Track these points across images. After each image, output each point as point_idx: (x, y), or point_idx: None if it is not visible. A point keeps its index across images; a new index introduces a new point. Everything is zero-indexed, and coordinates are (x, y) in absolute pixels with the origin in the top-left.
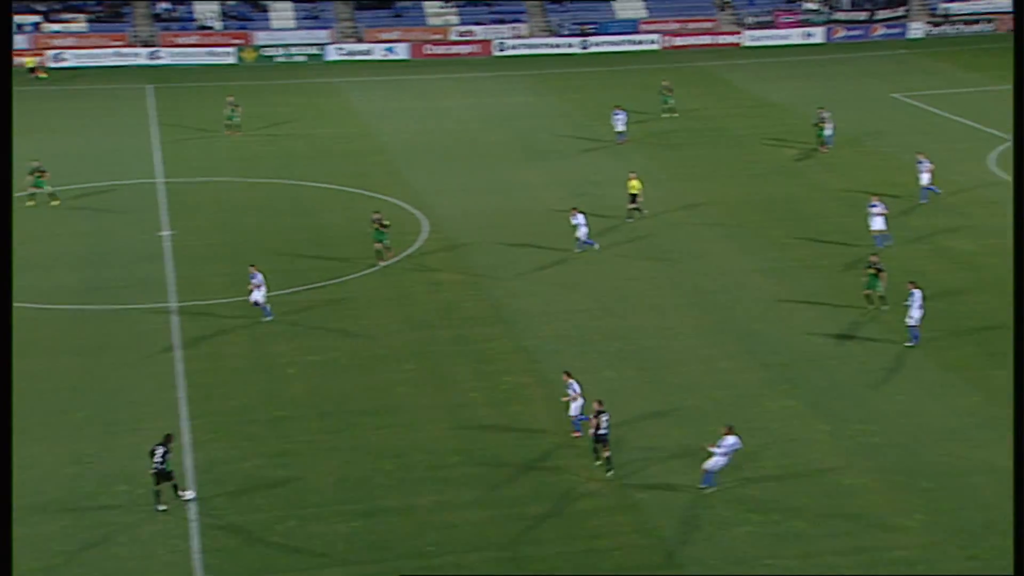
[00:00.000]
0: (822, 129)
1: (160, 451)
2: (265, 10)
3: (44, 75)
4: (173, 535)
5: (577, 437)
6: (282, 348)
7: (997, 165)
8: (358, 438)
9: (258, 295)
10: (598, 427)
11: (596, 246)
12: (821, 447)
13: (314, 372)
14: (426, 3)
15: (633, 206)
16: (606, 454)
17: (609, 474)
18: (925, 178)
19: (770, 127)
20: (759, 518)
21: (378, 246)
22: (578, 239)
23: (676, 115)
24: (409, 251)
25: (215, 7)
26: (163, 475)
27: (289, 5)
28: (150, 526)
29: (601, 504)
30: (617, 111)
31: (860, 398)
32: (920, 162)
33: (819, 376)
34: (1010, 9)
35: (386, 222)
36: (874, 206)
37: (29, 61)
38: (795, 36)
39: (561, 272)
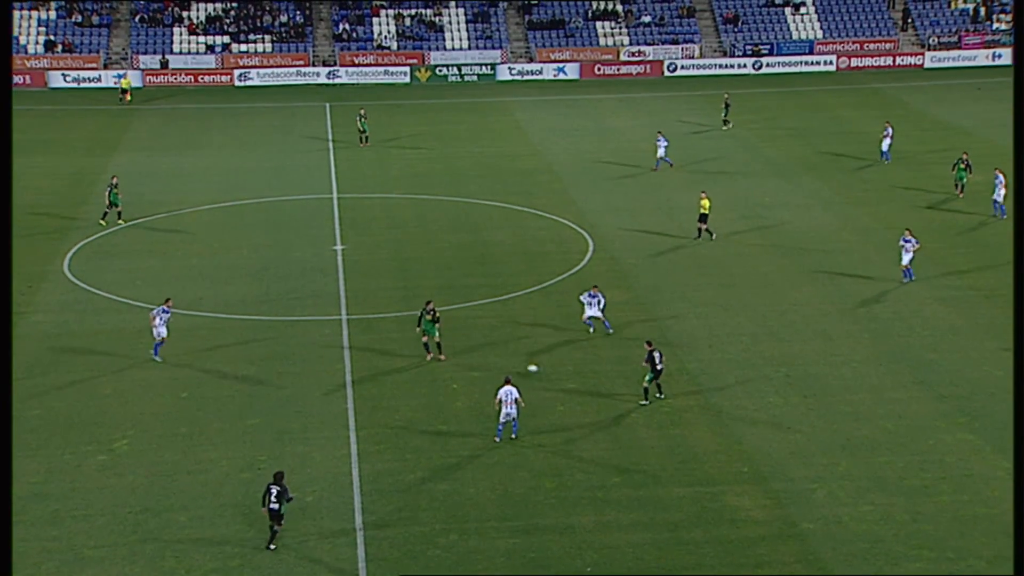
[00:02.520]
0: (962, 170)
1: (275, 491)
2: (440, 30)
3: (129, 99)
4: (339, 543)
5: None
6: (446, 363)
7: None
8: (519, 455)
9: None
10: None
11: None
12: (1001, 484)
13: (476, 388)
14: (598, 23)
15: (704, 226)
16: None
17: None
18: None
19: (950, 151)
20: (932, 555)
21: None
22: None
23: (730, 126)
24: (574, 270)
25: (392, 27)
26: (276, 516)
27: (463, 25)
28: (317, 533)
29: (765, 532)
30: (660, 137)
31: None
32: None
33: (1000, 410)
34: None
35: None
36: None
37: (125, 82)
38: (981, 57)
39: (725, 295)
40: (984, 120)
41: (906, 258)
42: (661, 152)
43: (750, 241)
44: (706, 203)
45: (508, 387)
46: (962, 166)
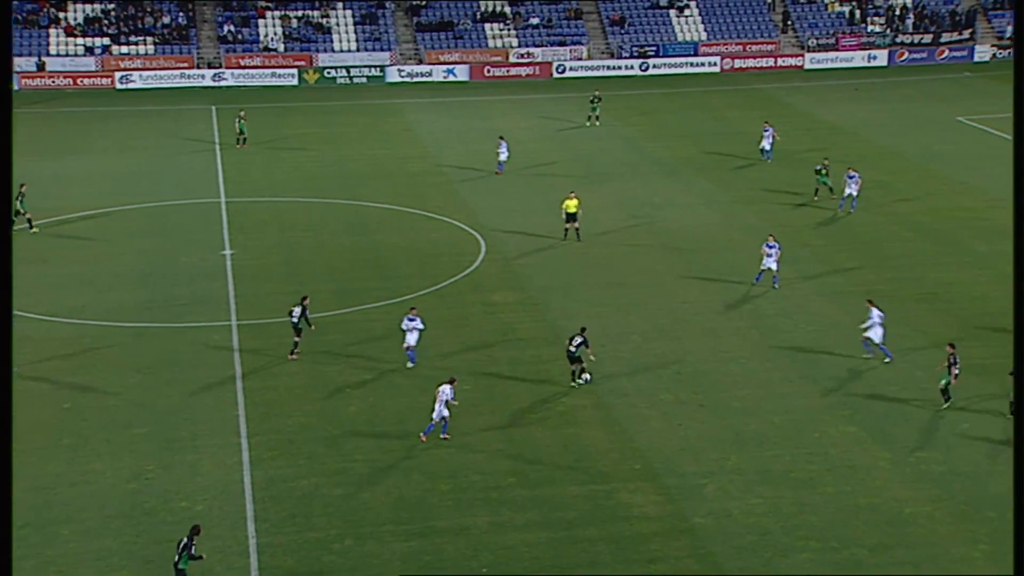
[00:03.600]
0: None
1: (183, 543)
2: (328, 32)
3: None
4: (232, 552)
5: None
6: (340, 367)
7: None
8: (414, 458)
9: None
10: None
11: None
12: (882, 474)
13: (370, 392)
14: (486, 25)
15: (574, 225)
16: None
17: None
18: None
19: (834, 151)
20: (818, 545)
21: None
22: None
23: (599, 124)
24: (467, 272)
25: (278, 29)
26: (178, 572)
27: (351, 27)
28: (209, 543)
29: (657, 528)
30: (501, 141)
31: (921, 424)
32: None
33: (880, 403)
34: None
35: None
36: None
37: None
38: (858, 59)
39: (616, 294)
40: (862, 120)
41: (770, 263)
42: (504, 156)
43: (640, 240)
44: (572, 203)
45: (445, 386)
46: (823, 172)
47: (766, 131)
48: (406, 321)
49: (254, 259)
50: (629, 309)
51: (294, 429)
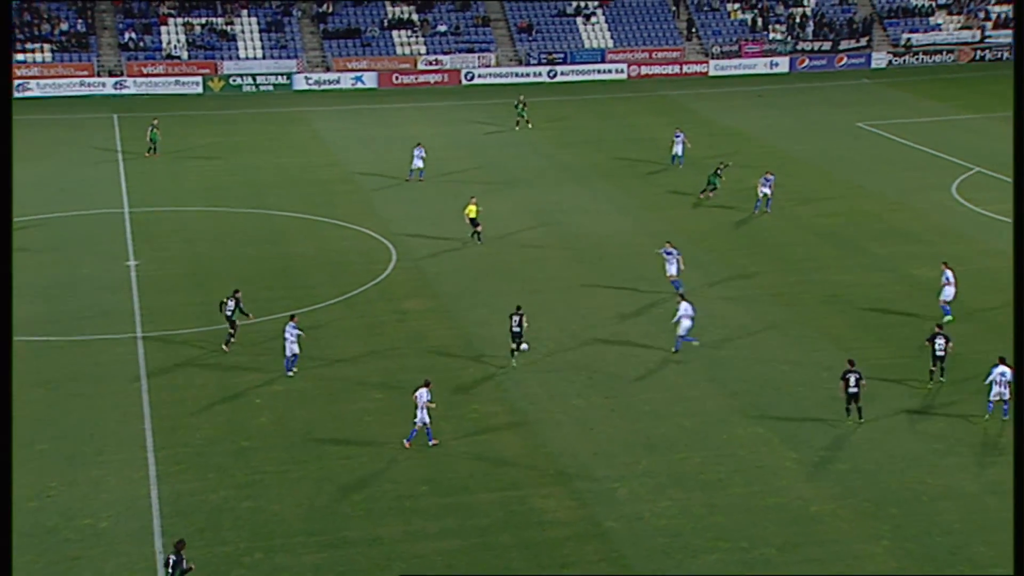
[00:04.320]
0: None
1: (172, 560)
2: (233, 39)
3: None
4: (138, 569)
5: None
6: (248, 378)
7: (959, 193)
8: (325, 468)
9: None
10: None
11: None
12: (789, 474)
13: (280, 402)
14: (394, 32)
15: (476, 229)
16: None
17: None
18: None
19: (738, 156)
20: (728, 545)
21: None
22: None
23: (530, 126)
24: (378, 280)
25: (182, 36)
26: None
27: (257, 35)
28: (114, 560)
29: (570, 532)
30: (418, 148)
31: (826, 425)
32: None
33: (786, 403)
34: (970, 40)
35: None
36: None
37: None
38: (760, 66)
39: (529, 301)
40: (765, 125)
41: (672, 269)
42: (419, 163)
43: (550, 247)
44: (473, 208)
45: (421, 390)
46: (718, 173)
47: (677, 136)
48: (289, 329)
49: (159, 270)
50: (540, 315)
51: (202, 442)
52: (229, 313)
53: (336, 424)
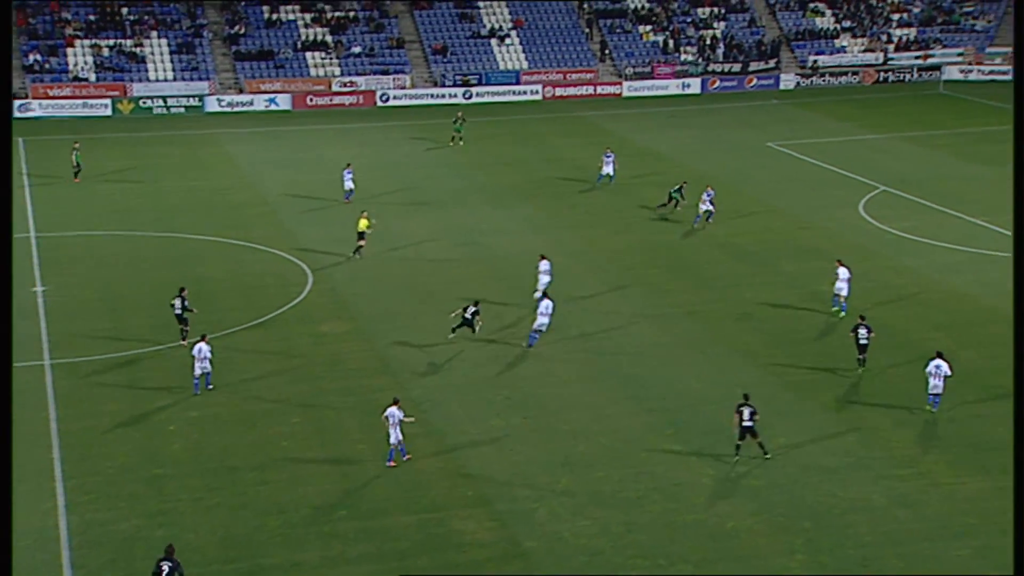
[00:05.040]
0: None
1: (166, 567)
2: (142, 61)
3: None
4: None
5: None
6: (161, 404)
7: (866, 212)
8: (241, 495)
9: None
10: None
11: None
12: (706, 491)
13: (195, 428)
14: (308, 54)
15: (360, 244)
16: None
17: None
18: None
19: (651, 175)
20: (646, 563)
21: None
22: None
23: (463, 143)
24: (294, 303)
25: (89, 58)
26: None
27: (167, 56)
28: None
29: (490, 554)
30: (347, 170)
31: (733, 440)
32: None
33: (702, 420)
34: (874, 62)
35: None
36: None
37: None
38: (673, 87)
39: (447, 321)
40: (679, 146)
41: (543, 279)
42: (349, 184)
43: (467, 268)
44: (364, 223)
45: (391, 408)
46: (680, 191)
47: (607, 157)
48: (200, 349)
49: (68, 295)
50: (459, 337)
51: (114, 470)
52: (179, 312)
53: (252, 449)
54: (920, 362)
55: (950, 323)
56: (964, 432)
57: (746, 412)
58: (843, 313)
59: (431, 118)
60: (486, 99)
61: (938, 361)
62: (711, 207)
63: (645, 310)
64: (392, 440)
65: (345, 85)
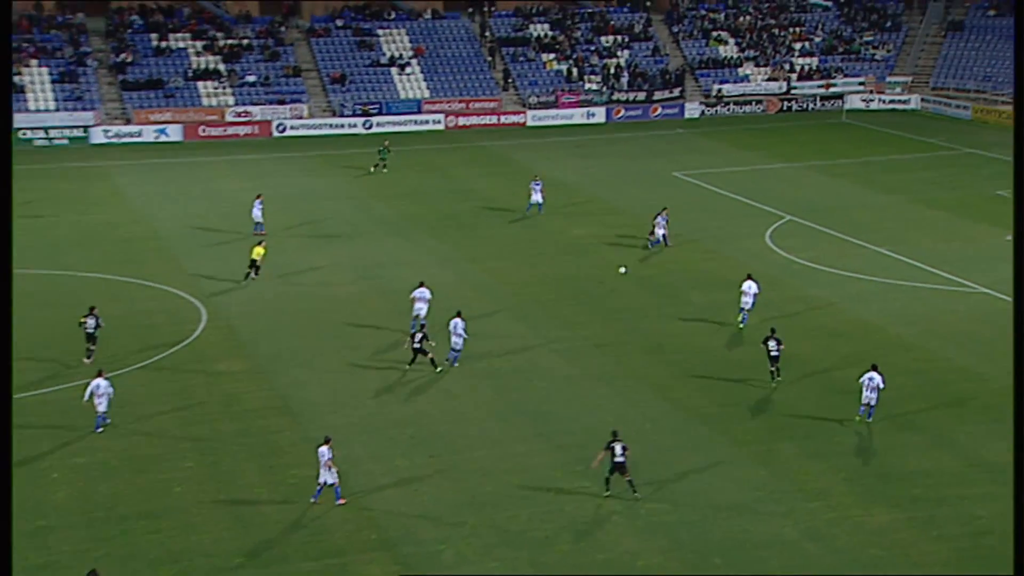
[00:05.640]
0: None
1: None
2: (22, 91)
3: None
4: None
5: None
6: (44, 450)
7: (773, 241)
8: (131, 544)
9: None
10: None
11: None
12: (616, 528)
13: (81, 475)
14: (199, 83)
15: (252, 271)
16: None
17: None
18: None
19: (560, 206)
20: None
21: None
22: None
23: (386, 171)
24: (187, 341)
25: None
26: None
27: (48, 86)
28: None
29: None
30: (258, 201)
31: (652, 476)
32: (660, 219)
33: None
34: (777, 91)
35: None
36: None
37: None
38: (577, 116)
39: (349, 358)
40: (585, 176)
41: (421, 309)
42: (258, 215)
43: (370, 302)
44: (259, 250)
45: (323, 447)
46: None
47: (535, 185)
48: (97, 382)
49: None
50: (361, 373)
51: None
52: (91, 331)
53: (143, 496)
54: (829, 392)
55: (858, 353)
56: (874, 463)
57: (617, 448)
58: (742, 325)
59: (330, 148)
60: (386, 128)
61: (871, 373)
62: (665, 231)
63: (554, 344)
64: (320, 480)
65: (239, 115)
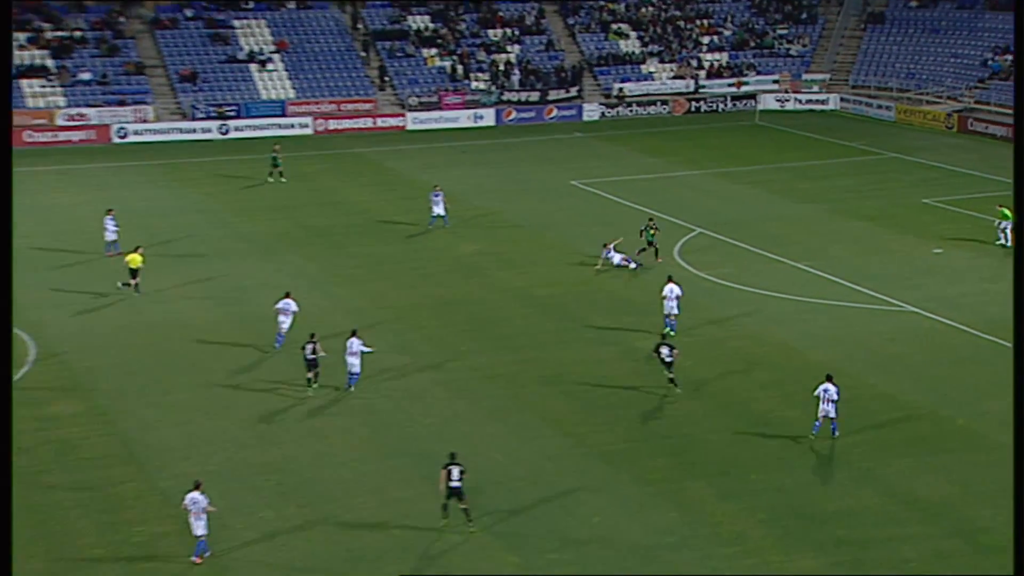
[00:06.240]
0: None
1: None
2: None
3: None
4: None
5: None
6: None
7: (682, 257)
8: None
9: None
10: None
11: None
12: None
13: None
14: (24, 81)
15: (134, 281)
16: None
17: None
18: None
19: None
20: None
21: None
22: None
23: (284, 180)
24: (13, 380)
25: None
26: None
27: None
28: None
29: None
30: (109, 217)
31: (552, 522)
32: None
33: (505, 499)
34: (684, 90)
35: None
36: None
37: None
38: (463, 118)
39: (205, 396)
40: (472, 185)
41: (284, 324)
42: (111, 236)
43: (229, 331)
44: (137, 258)
45: (195, 494)
46: (651, 231)
47: (435, 196)
48: None
49: None
50: (220, 413)
51: None
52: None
53: None
54: (744, 424)
55: (775, 380)
56: (793, 503)
57: (455, 472)
58: (673, 333)
59: (181, 157)
60: (246, 134)
61: (826, 385)
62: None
63: (439, 375)
64: (196, 532)
65: (72, 118)
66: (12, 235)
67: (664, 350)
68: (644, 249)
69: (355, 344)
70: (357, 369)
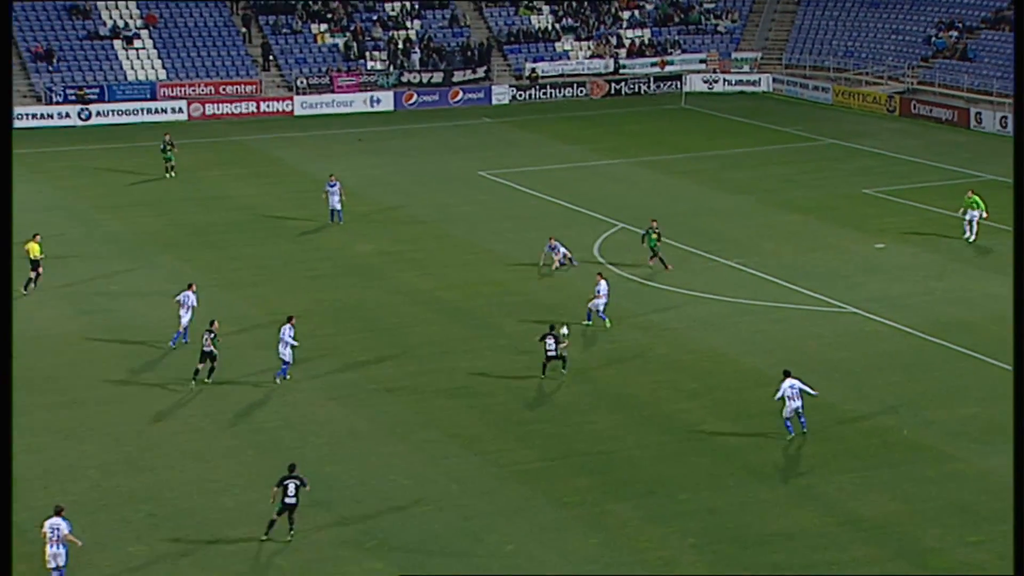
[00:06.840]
0: None
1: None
2: None
3: None
4: None
5: None
6: None
7: (603, 255)
8: None
9: None
10: None
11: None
12: None
13: None
14: None
15: (33, 274)
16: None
17: None
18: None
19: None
20: None
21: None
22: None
23: (174, 174)
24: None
25: None
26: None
27: None
28: None
29: None
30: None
31: (461, 552)
32: None
33: (412, 529)
34: (603, 71)
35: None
36: None
37: None
38: (359, 102)
39: (65, 417)
40: (369, 177)
41: (184, 317)
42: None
43: (94, 343)
44: (35, 247)
45: (56, 519)
46: (654, 235)
47: (331, 187)
48: None
49: None
50: (84, 436)
51: None
52: None
53: None
54: (671, 440)
55: (705, 390)
56: (726, 525)
57: (291, 487)
58: (608, 324)
59: (35, 145)
60: (111, 120)
61: (791, 381)
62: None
63: (333, 390)
64: (52, 563)
65: None
66: (12, 235)
67: (549, 341)
68: (653, 257)
69: (287, 332)
70: (288, 358)
